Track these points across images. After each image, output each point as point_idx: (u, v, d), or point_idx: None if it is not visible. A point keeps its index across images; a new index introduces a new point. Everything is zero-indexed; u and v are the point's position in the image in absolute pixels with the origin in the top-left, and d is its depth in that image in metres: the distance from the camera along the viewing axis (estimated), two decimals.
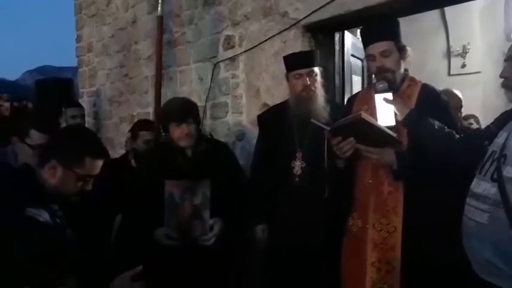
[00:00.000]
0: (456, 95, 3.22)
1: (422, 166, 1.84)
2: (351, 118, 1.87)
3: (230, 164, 2.46)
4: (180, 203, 2.21)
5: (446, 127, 1.90)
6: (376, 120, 1.93)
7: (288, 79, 2.51)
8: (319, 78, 2.45)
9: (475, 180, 1.59)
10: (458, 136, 1.89)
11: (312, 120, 2.01)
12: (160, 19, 3.48)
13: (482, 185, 1.53)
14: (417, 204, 1.89)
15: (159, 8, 3.46)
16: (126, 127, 4.44)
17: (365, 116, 1.82)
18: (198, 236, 2.20)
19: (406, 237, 1.93)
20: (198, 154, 2.35)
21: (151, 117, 4.07)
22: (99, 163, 1.66)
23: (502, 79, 1.59)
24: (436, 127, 1.88)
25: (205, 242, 2.20)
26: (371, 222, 1.99)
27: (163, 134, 2.54)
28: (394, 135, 1.89)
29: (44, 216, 1.48)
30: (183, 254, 2.18)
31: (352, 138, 1.90)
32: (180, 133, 2.27)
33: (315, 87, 2.41)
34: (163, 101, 3.48)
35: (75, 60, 6.15)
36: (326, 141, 2.22)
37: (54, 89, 5.76)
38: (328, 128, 1.94)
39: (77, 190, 1.61)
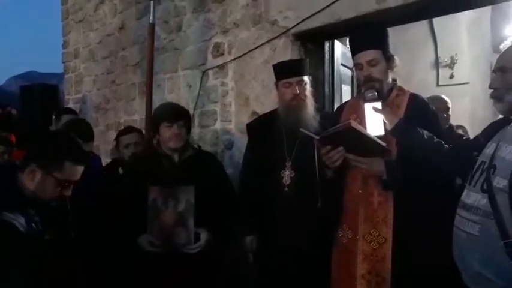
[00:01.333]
0: (441, 98, 3.32)
1: (412, 176, 1.82)
2: (341, 127, 1.85)
3: (217, 173, 2.45)
4: (163, 210, 2.18)
5: (435, 137, 1.89)
6: (365, 129, 1.91)
7: (277, 87, 2.49)
8: (308, 87, 2.43)
9: (465, 191, 1.58)
10: (447, 146, 1.89)
11: (301, 129, 2.00)
12: (152, 26, 3.45)
13: (472, 196, 1.52)
14: (407, 215, 1.87)
15: (150, 16, 3.43)
16: (112, 135, 4.37)
17: (355, 124, 1.81)
18: (183, 244, 2.17)
19: (396, 248, 1.91)
20: (184, 160, 2.34)
21: (138, 125, 4.01)
22: (79, 169, 1.65)
23: (490, 90, 1.59)
24: (425, 137, 1.87)
25: (190, 251, 2.17)
26: (361, 233, 1.97)
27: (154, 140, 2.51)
28: (384, 144, 1.88)
29: (20, 221, 1.48)
30: (167, 261, 2.15)
31: (341, 148, 1.89)
32: (171, 133, 2.27)
33: (305, 96, 2.39)
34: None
35: (61, 66, 6.08)
36: (316, 150, 2.20)
37: (39, 95, 5.68)
38: (317, 137, 1.92)
39: (56, 195, 1.61)
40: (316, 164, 2.28)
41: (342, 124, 1.89)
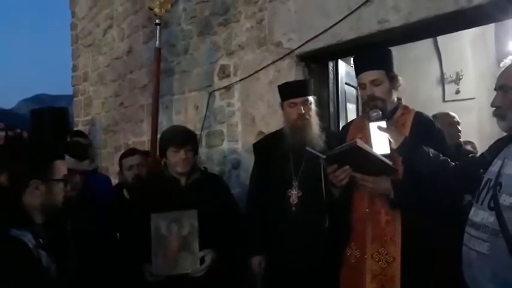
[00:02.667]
0: (449, 114, 3.31)
1: (419, 194, 1.82)
2: (347, 146, 1.86)
3: (222, 195, 2.44)
4: (167, 235, 2.18)
5: (441, 155, 1.90)
6: (371, 148, 1.92)
7: (282, 108, 2.52)
8: (313, 106, 2.46)
9: (473, 209, 1.57)
10: (453, 164, 1.89)
11: (307, 148, 2.01)
12: (158, 51, 3.52)
13: (480, 214, 1.51)
14: (415, 234, 1.86)
15: (156, 40, 3.51)
16: None
17: (361, 143, 1.82)
18: (188, 268, 2.17)
19: (405, 267, 1.89)
20: (191, 183, 2.35)
21: (146, 146, 4.05)
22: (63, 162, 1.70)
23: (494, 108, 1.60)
24: (431, 155, 1.87)
25: (196, 274, 2.17)
26: (369, 252, 1.96)
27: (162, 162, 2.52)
28: (390, 163, 1.88)
29: (28, 237, 1.50)
30: (174, 285, 2.15)
31: (347, 167, 1.89)
32: (178, 158, 2.28)
33: (310, 116, 2.42)
34: (158, 129, 3.48)
35: (71, 88, 6.18)
36: (322, 169, 2.20)
37: (49, 118, 5.76)
38: (324, 156, 1.93)
39: (61, 196, 1.67)
40: (323, 183, 2.29)
41: (348, 143, 1.90)
